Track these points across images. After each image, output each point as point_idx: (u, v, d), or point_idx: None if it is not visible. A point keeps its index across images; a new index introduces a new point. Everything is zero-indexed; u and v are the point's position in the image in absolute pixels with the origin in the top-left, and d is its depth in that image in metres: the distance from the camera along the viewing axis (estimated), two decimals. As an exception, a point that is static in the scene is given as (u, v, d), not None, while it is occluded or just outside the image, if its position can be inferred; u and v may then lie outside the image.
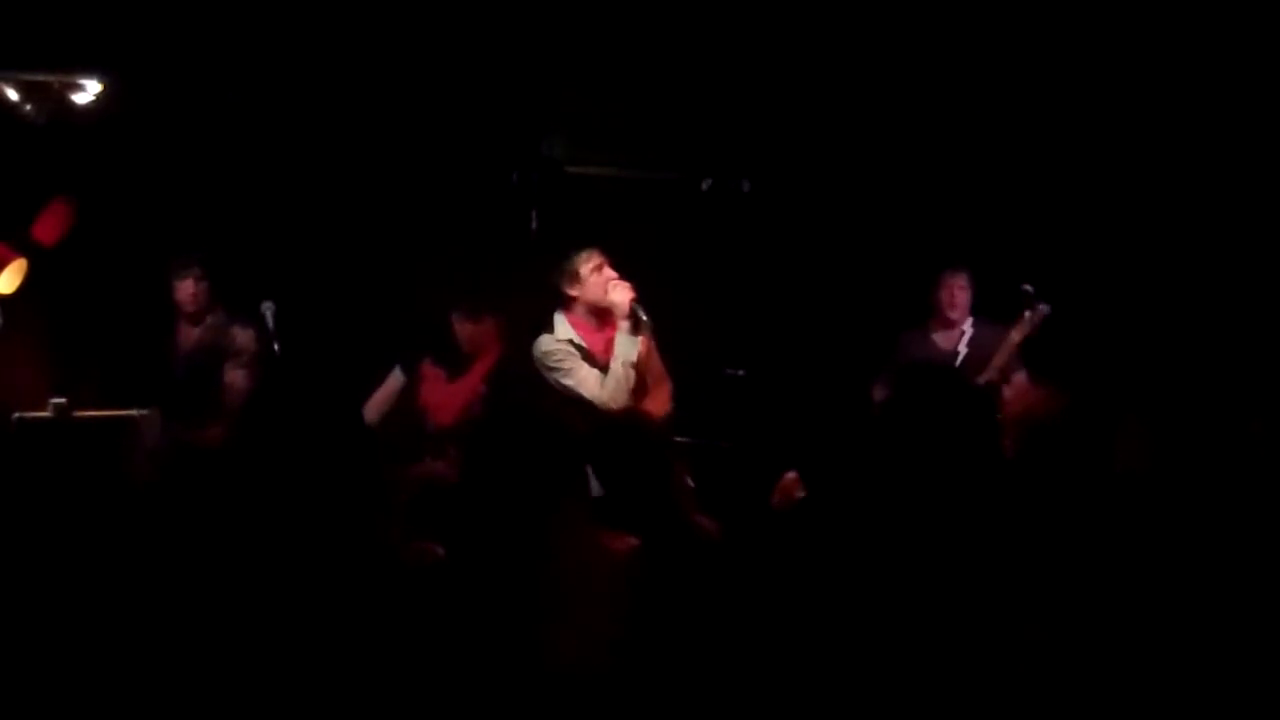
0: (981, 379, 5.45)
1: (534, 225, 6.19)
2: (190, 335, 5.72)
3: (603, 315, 4.76)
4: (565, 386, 4.68)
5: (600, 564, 2.79)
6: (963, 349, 5.72)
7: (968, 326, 5.74)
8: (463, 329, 5.22)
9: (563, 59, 6.04)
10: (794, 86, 6.15)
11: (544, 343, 4.75)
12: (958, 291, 5.74)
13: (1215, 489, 3.13)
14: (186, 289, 5.65)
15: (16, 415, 5.67)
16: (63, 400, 5.75)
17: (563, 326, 4.78)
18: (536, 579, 2.75)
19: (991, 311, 5.70)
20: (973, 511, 2.85)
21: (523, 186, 6.25)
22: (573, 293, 4.77)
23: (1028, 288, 5.54)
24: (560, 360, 4.71)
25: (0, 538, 4.84)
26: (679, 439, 4.81)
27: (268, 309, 5.45)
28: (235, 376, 5.56)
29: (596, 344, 4.76)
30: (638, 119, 6.34)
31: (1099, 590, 2.77)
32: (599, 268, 4.76)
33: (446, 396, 5.18)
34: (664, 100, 6.23)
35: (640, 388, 4.75)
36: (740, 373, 6.05)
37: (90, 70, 5.57)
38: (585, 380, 4.68)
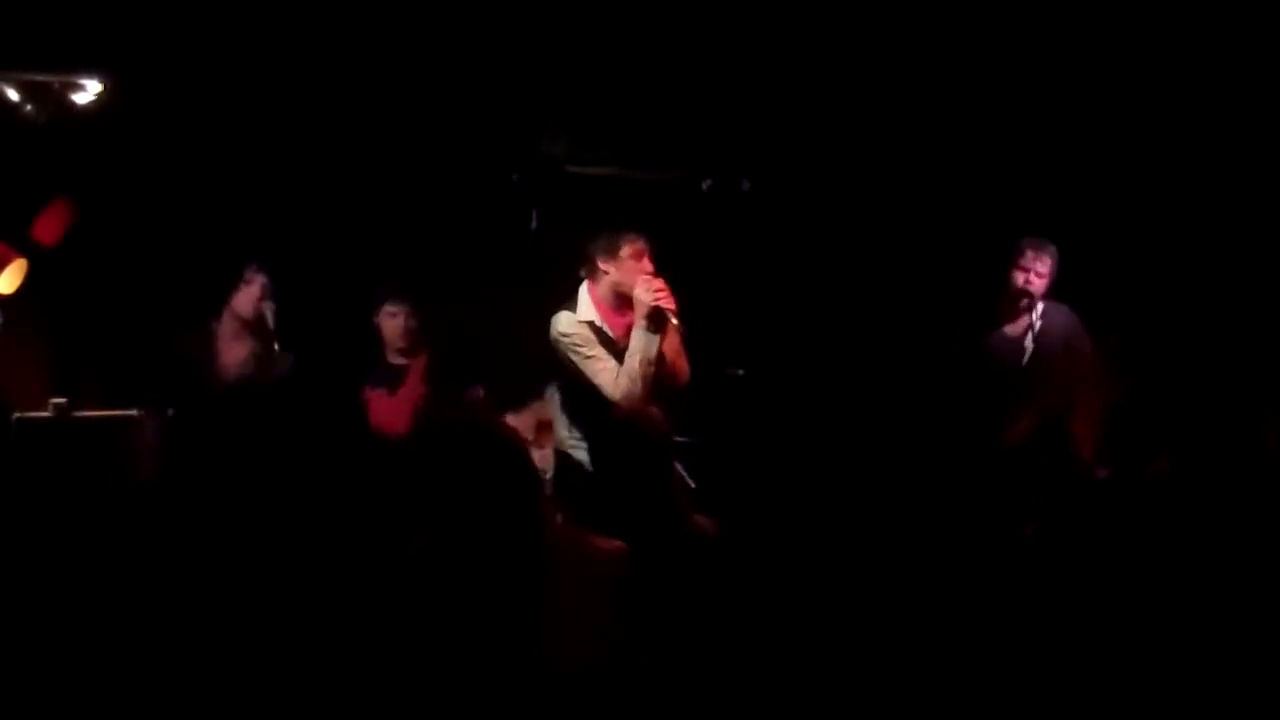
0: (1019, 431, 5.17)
1: (534, 225, 6.20)
2: (236, 353, 5.50)
3: (625, 300, 4.76)
4: (579, 371, 4.71)
5: (587, 566, 2.79)
6: (1029, 344, 5.29)
7: (1037, 316, 5.27)
8: (394, 323, 5.32)
9: (563, 59, 6.04)
10: (794, 86, 6.15)
11: (563, 321, 4.77)
12: (1034, 277, 5.25)
13: None
14: (254, 293, 5.45)
15: (16, 415, 5.67)
16: (63, 400, 5.74)
17: (585, 304, 4.79)
18: (524, 580, 2.75)
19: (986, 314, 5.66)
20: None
21: (523, 186, 6.25)
22: (605, 268, 4.77)
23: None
24: (580, 345, 4.73)
25: (0, 538, 4.85)
26: (678, 439, 4.83)
27: (267, 309, 5.45)
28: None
29: (616, 327, 4.78)
30: (638, 119, 6.34)
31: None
32: (639, 255, 4.76)
33: (393, 411, 5.33)
34: (664, 100, 6.23)
35: (658, 387, 4.75)
36: (740, 373, 6.05)
37: (90, 70, 5.57)
38: (601, 372, 4.70)
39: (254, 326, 5.43)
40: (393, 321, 5.43)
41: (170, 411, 5.34)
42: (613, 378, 4.67)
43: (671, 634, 2.87)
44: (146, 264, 5.92)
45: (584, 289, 4.81)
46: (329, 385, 5.34)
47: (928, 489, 5.15)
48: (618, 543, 2.83)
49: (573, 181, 6.34)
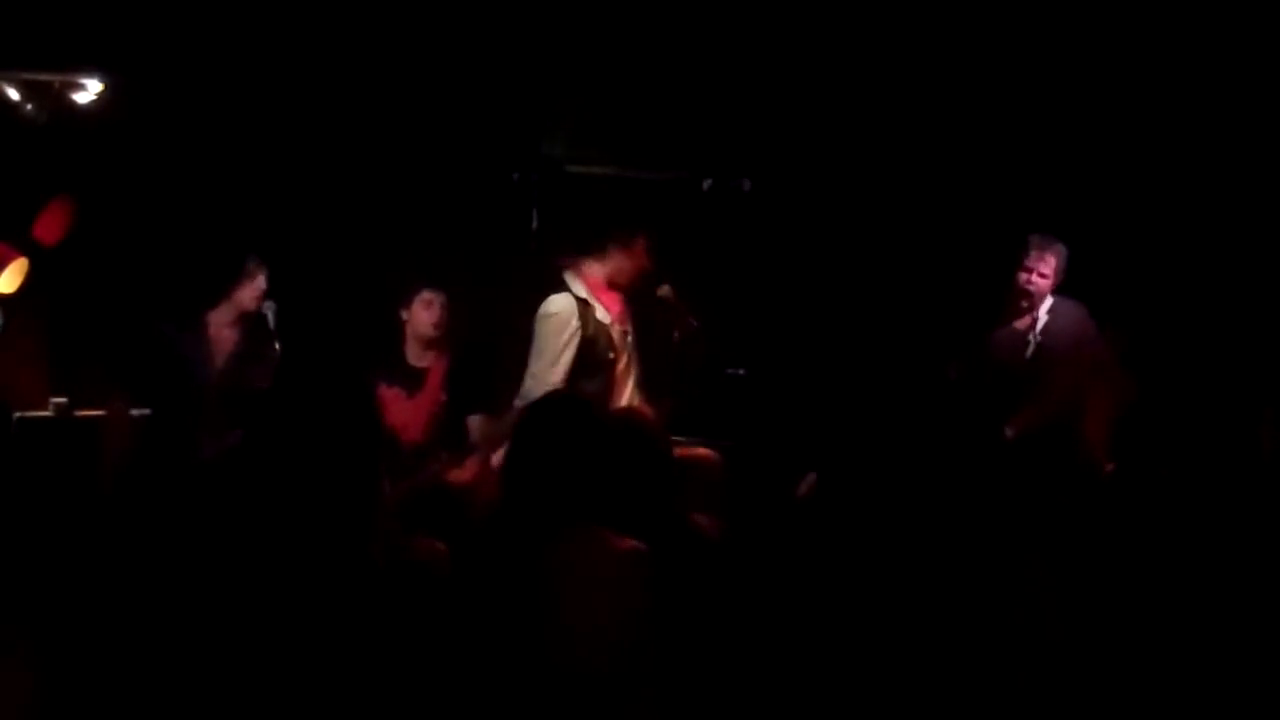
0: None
1: (534, 225, 6.20)
2: (225, 338, 5.42)
3: (619, 286, 4.82)
4: (531, 350, 4.68)
5: (605, 564, 2.79)
6: (1034, 338, 5.27)
7: (1044, 312, 5.26)
8: (430, 311, 5.21)
9: (563, 59, 6.05)
10: (795, 86, 6.15)
11: (555, 302, 4.74)
12: (1037, 277, 5.21)
13: None
14: (259, 286, 5.38)
15: (17, 415, 5.67)
16: (63, 400, 5.74)
17: (578, 287, 4.77)
18: (542, 578, 2.75)
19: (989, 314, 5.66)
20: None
21: (523, 186, 6.25)
22: (616, 252, 4.81)
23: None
24: (550, 332, 4.68)
25: (1, 537, 4.85)
26: (678, 438, 4.84)
27: (268, 309, 5.44)
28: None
29: (612, 305, 4.82)
30: (638, 119, 6.34)
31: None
32: (646, 253, 4.84)
33: (411, 414, 5.20)
34: (664, 100, 6.23)
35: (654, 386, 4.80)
36: (740, 372, 6.05)
37: (91, 70, 5.57)
38: (551, 366, 4.65)
39: (250, 320, 5.39)
40: (427, 311, 5.22)
41: (144, 410, 5.37)
42: (545, 381, 4.61)
43: (678, 633, 2.88)
44: (148, 263, 5.91)
45: (571, 276, 4.79)
46: (337, 383, 5.31)
47: (929, 489, 5.15)
48: (635, 542, 2.83)
49: (573, 181, 6.34)
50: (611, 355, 4.78)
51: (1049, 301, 5.29)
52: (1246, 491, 3.15)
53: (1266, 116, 5.65)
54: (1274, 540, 2.95)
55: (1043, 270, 5.23)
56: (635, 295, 4.97)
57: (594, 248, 4.81)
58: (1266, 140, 5.69)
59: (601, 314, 4.78)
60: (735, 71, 6.08)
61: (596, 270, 4.81)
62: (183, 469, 5.08)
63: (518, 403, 4.62)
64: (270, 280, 5.45)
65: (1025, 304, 5.28)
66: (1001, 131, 6.08)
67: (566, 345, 4.67)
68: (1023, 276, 5.25)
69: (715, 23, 5.88)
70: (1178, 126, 5.84)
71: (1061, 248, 5.27)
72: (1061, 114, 5.97)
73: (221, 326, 5.39)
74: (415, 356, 5.30)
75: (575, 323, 4.68)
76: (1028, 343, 5.27)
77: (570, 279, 4.78)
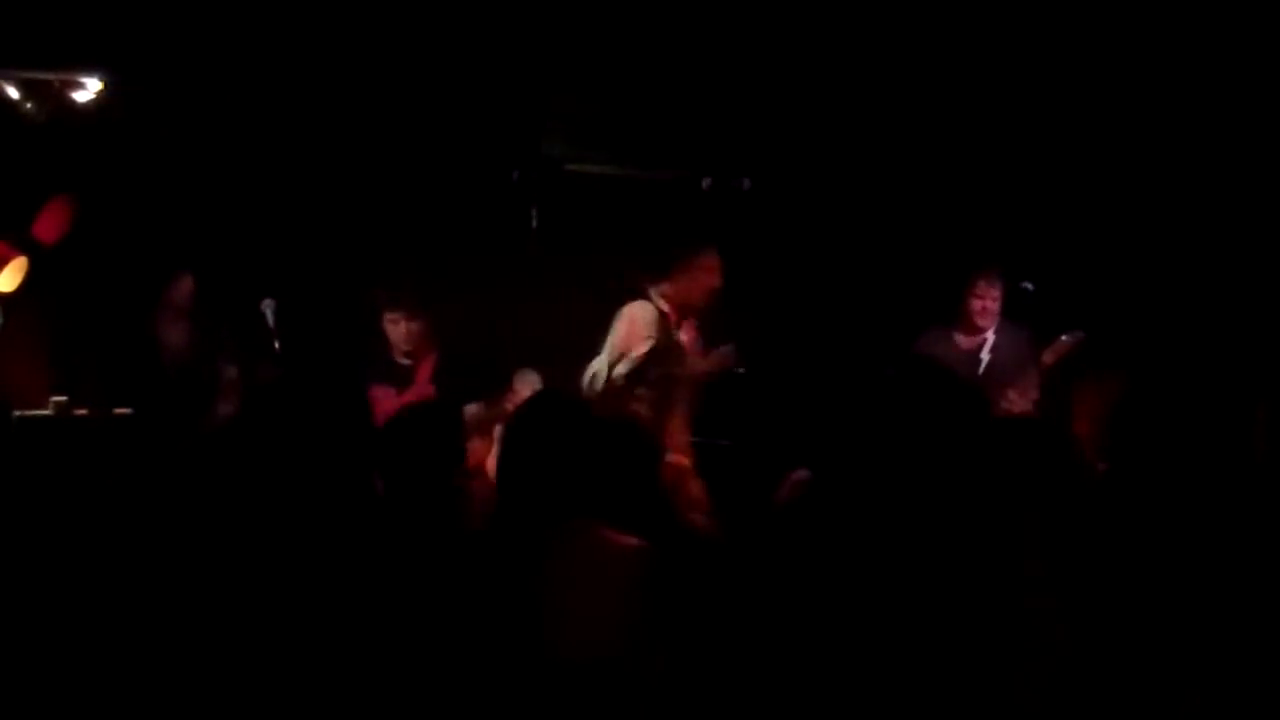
0: (1007, 405, 5.27)
1: (534, 224, 6.21)
2: (177, 333, 5.72)
3: (694, 309, 5.00)
4: (626, 349, 4.81)
5: (611, 563, 2.79)
6: (985, 355, 5.60)
7: (992, 331, 5.63)
8: (397, 329, 5.35)
9: (562, 58, 6.04)
10: (794, 85, 6.14)
11: (641, 306, 4.91)
12: (990, 302, 5.60)
13: None
14: (187, 286, 5.70)
15: (17, 414, 5.67)
16: (63, 399, 5.75)
17: (659, 300, 4.94)
18: (545, 575, 2.75)
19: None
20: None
21: (523, 185, 6.26)
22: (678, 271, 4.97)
23: (1027, 285, 5.54)
24: (631, 333, 4.85)
25: (0, 536, 4.84)
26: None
27: (268, 307, 5.47)
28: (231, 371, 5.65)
29: (687, 331, 5.06)
30: (638, 118, 6.34)
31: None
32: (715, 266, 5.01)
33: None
34: (664, 99, 6.23)
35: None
36: (741, 372, 6.04)
37: (90, 69, 5.58)
38: (619, 361, 4.84)
39: (189, 312, 5.71)
40: (395, 328, 5.46)
41: (121, 410, 5.46)
42: (612, 377, 4.77)
43: (681, 631, 2.88)
44: (147, 262, 5.92)
45: (655, 294, 4.97)
46: (331, 383, 5.33)
47: (925, 489, 5.14)
48: (638, 541, 2.83)
49: (572, 181, 6.34)
50: (677, 373, 4.91)
51: (996, 321, 5.64)
52: (1240, 492, 3.14)
53: (1264, 114, 5.65)
54: (1268, 541, 2.95)
55: (993, 295, 5.58)
56: (707, 321, 5.11)
57: (658, 269, 4.89)
58: (1261, 142, 5.69)
59: (676, 333, 4.97)
60: (735, 71, 6.07)
61: (669, 292, 4.95)
62: (170, 459, 5.16)
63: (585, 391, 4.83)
64: (269, 280, 5.50)
65: (983, 325, 5.61)
66: (1000, 128, 6.07)
67: (642, 347, 4.82)
68: (977, 305, 5.58)
69: (714, 22, 5.87)
70: (1177, 128, 5.84)
71: (998, 276, 5.63)
72: (1061, 108, 5.97)
73: (168, 323, 5.67)
74: (401, 355, 5.48)
75: (655, 330, 4.83)
76: (979, 360, 5.56)
77: (654, 295, 4.94)
